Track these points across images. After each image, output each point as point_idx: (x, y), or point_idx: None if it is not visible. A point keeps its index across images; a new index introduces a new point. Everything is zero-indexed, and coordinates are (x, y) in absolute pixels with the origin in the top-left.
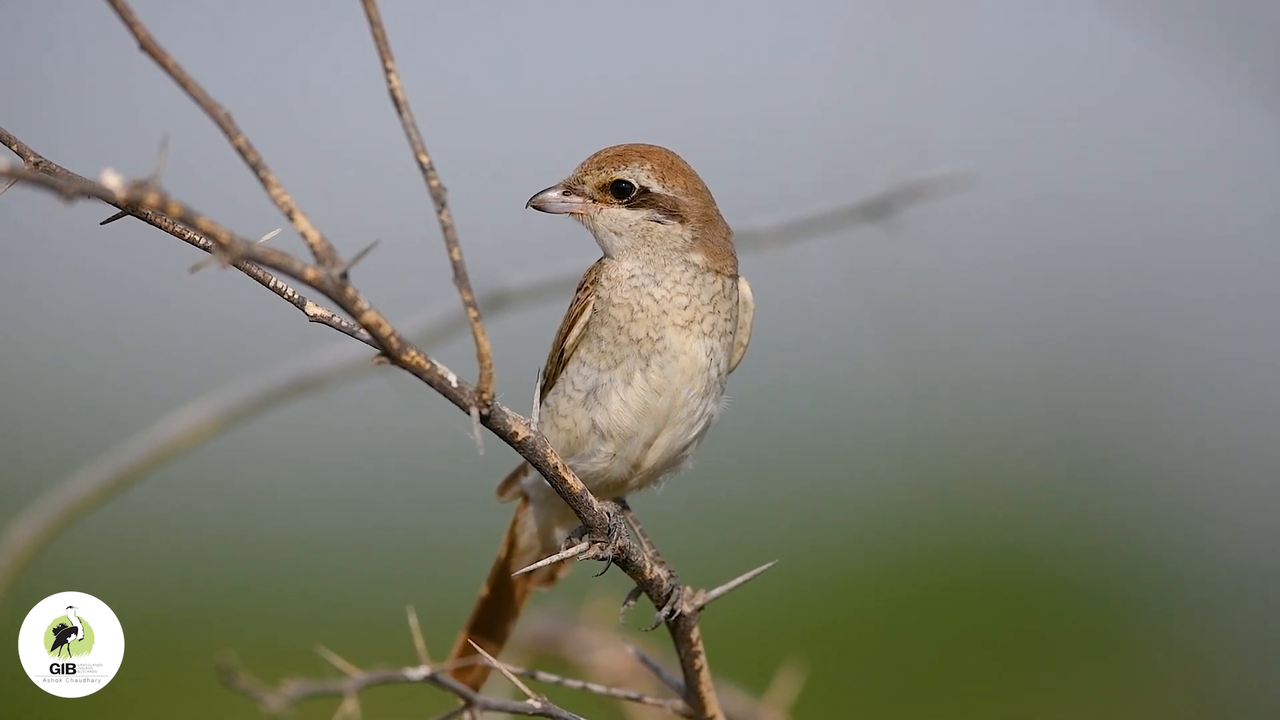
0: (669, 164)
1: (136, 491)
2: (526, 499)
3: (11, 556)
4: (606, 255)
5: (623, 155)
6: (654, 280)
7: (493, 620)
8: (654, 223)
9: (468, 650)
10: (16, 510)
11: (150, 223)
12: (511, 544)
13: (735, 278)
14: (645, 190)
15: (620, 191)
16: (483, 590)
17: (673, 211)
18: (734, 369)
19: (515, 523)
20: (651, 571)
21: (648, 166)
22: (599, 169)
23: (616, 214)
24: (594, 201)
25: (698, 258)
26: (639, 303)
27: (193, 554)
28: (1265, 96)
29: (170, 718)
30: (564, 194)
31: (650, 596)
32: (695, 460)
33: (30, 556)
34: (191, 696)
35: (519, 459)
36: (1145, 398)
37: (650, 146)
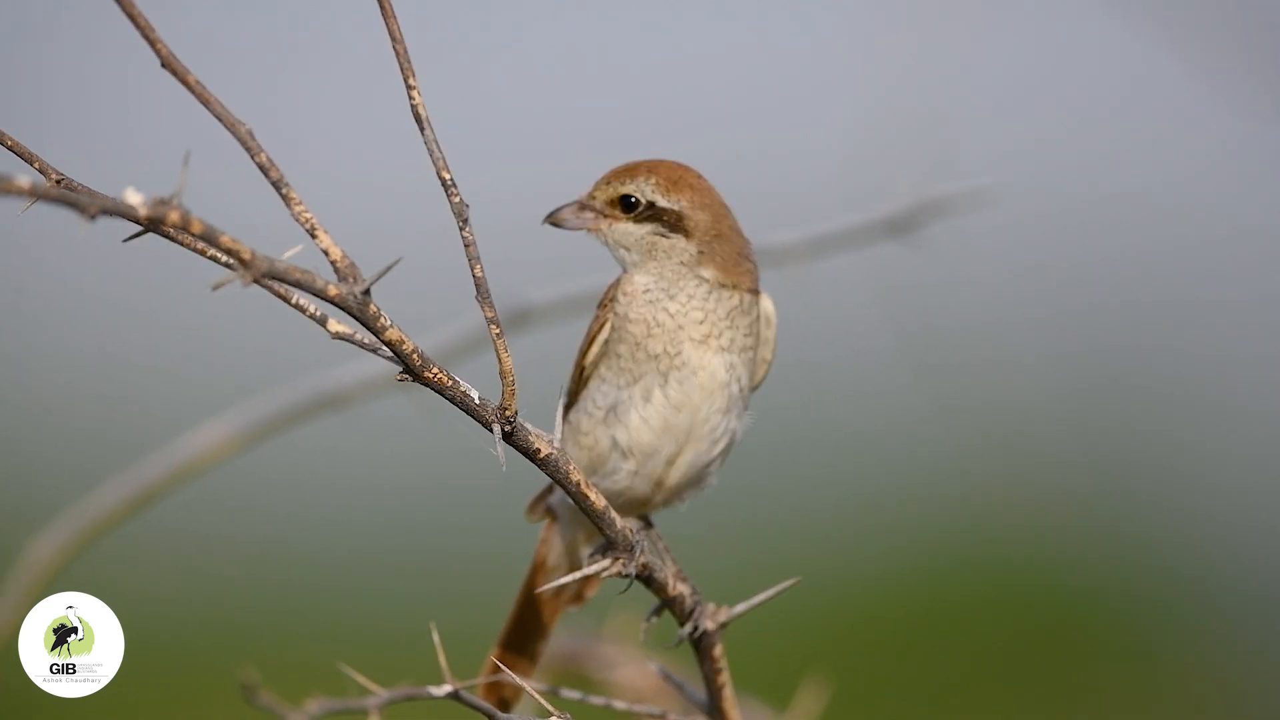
0: (675, 178)
1: (158, 509)
2: (554, 517)
3: (35, 573)
4: (623, 271)
5: (631, 170)
6: (668, 295)
7: (522, 639)
8: (659, 236)
9: (496, 669)
10: (39, 527)
11: (172, 240)
12: (540, 562)
13: (755, 293)
14: (651, 204)
15: (627, 206)
16: (512, 609)
17: (676, 225)
18: (757, 386)
19: (543, 541)
20: (674, 588)
21: (653, 180)
22: (608, 184)
23: (624, 228)
24: (605, 216)
25: (708, 272)
26: (654, 318)
27: (215, 571)
28: None
29: None
30: (579, 210)
31: (673, 613)
32: (719, 477)
33: (53, 574)
34: (213, 714)
35: (543, 477)
36: (1170, 408)
37: (661, 161)
